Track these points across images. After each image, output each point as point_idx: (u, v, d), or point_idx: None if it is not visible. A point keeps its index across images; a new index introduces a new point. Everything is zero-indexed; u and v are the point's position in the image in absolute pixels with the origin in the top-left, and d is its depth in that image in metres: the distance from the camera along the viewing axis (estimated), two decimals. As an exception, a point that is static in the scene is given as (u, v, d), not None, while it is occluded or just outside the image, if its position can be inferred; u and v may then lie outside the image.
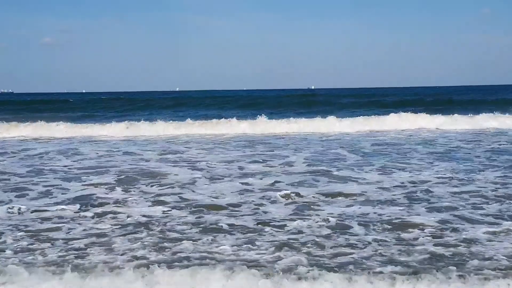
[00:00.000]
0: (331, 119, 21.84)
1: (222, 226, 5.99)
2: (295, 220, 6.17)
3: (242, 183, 8.55)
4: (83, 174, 9.69)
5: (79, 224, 6.06)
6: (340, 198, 7.45)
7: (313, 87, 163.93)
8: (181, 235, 5.56)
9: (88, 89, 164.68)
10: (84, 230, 5.80)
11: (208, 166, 10.51)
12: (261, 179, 8.98)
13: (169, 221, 6.14)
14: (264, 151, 13.26)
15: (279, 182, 8.72)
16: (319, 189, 8.06)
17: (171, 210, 6.71)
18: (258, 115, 22.85)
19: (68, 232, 5.73)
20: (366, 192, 7.79)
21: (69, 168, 10.48)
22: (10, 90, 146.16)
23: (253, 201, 7.27)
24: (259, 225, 6.03)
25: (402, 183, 8.48)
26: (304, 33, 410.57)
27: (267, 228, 5.89)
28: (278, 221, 6.15)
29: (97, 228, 5.85)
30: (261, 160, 11.38)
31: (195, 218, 6.34)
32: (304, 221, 6.13)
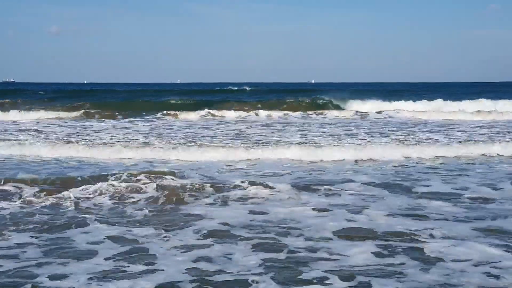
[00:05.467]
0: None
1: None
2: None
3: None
4: None
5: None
6: None
7: (313, 81, 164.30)
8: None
9: (88, 80, 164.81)
10: None
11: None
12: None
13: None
14: None
15: None
16: None
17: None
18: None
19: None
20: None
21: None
22: (12, 80, 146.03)
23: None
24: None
25: None
26: (304, 26, 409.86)
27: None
28: None
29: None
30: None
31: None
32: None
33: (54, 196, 7.19)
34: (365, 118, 22.51)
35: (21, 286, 4.18)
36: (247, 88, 50.69)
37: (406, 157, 10.73)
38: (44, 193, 7.34)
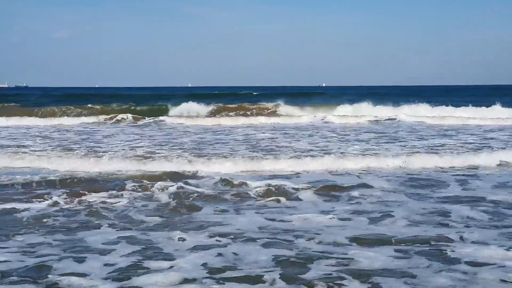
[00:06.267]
0: None
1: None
2: None
3: None
4: None
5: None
6: None
7: (323, 85, 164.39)
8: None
9: (101, 84, 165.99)
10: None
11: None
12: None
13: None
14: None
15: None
16: None
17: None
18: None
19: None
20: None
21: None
22: (25, 84, 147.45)
23: None
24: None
25: None
26: (315, 29, 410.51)
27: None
28: None
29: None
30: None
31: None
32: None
33: (70, 200, 7.37)
34: (376, 123, 22.38)
35: (40, 281, 4.31)
36: (254, 93, 51.03)
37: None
38: (62, 196, 7.54)
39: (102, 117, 24.55)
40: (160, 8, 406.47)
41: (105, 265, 4.72)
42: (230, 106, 28.68)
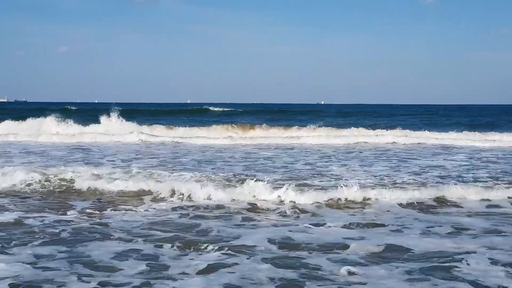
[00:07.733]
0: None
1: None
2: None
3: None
4: None
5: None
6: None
7: (322, 102, 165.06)
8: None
9: (100, 99, 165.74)
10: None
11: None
12: None
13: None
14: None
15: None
16: None
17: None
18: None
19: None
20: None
21: None
22: (24, 99, 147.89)
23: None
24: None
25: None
26: (313, 47, 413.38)
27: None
28: None
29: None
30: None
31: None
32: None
33: (83, 213, 7.37)
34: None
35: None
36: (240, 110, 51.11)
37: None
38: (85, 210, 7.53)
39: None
40: (167, 27, 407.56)
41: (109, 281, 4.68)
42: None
